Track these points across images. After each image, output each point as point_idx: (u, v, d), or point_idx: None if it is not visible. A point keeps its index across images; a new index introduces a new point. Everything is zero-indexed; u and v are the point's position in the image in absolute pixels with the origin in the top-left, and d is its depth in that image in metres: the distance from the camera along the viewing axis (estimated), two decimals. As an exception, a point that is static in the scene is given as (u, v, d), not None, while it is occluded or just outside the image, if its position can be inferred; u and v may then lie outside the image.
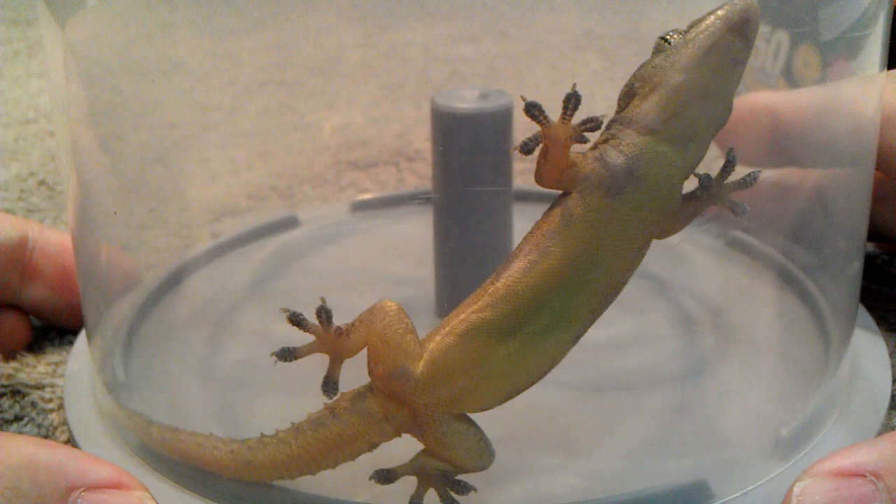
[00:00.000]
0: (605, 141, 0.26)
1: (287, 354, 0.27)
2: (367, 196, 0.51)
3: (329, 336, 0.27)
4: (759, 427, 0.33)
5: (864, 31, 0.32)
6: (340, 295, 0.42)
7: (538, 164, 0.25)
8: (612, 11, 0.64)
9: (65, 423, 0.36)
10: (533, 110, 0.25)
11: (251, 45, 0.65)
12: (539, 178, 0.26)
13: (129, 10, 0.43)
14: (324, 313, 0.27)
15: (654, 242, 0.27)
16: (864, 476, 0.27)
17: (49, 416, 0.36)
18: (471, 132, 0.36)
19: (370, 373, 0.27)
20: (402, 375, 0.26)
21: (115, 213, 0.42)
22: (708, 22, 0.25)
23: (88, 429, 0.34)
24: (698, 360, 0.37)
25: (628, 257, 0.26)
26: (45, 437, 0.36)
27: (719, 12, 0.25)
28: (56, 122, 0.37)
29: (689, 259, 0.42)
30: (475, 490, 0.27)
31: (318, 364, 0.34)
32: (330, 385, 0.27)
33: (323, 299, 0.27)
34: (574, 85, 0.25)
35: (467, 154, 0.36)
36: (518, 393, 0.27)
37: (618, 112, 0.26)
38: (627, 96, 0.26)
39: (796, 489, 0.28)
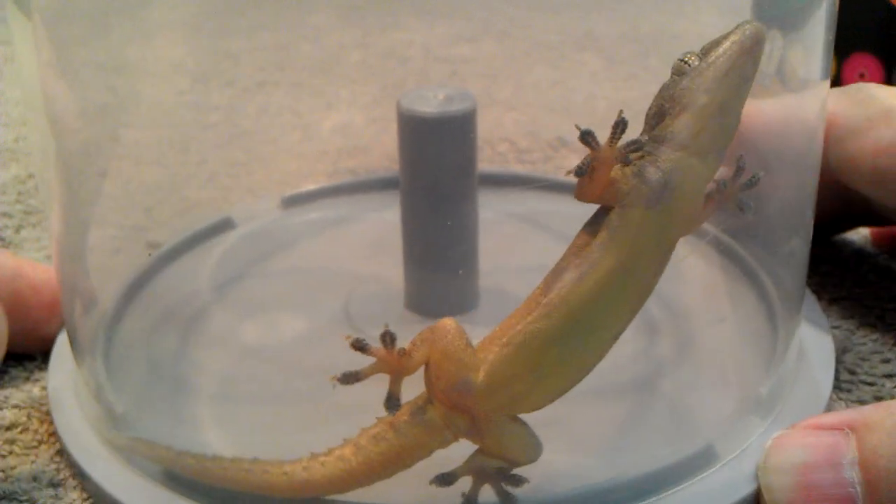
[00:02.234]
0: (641, 158, 0.28)
1: (350, 378, 0.28)
2: (297, 190, 0.50)
3: (392, 357, 0.28)
4: (740, 391, 0.36)
5: (808, 9, 0.33)
6: (311, 293, 0.42)
7: (581, 183, 0.27)
8: (612, 11, 0.64)
9: (54, 433, 0.36)
10: (587, 137, 0.27)
11: (250, 45, 0.65)
12: (581, 196, 0.28)
13: (125, 8, 0.42)
14: (388, 337, 0.28)
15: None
16: (841, 429, 0.29)
17: (44, 424, 0.37)
18: (435, 135, 0.37)
19: (429, 386, 0.29)
20: (464, 386, 0.28)
21: (150, 254, 0.43)
22: (725, 46, 0.28)
23: (97, 459, 0.33)
24: (662, 350, 0.38)
25: (662, 260, 0.28)
26: (41, 441, 0.36)
27: (734, 37, 0.28)
28: (34, 124, 0.36)
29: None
30: (528, 481, 0.29)
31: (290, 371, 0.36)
32: (393, 402, 0.28)
33: (387, 325, 0.28)
34: (620, 112, 0.27)
35: (433, 155, 0.38)
36: (567, 391, 0.29)
37: (647, 129, 0.28)
38: (658, 115, 0.28)
39: (775, 434, 0.31)
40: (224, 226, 0.46)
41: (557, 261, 0.28)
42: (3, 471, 0.34)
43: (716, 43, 0.28)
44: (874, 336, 0.40)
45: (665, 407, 0.35)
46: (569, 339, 0.28)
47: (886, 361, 0.39)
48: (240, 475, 0.30)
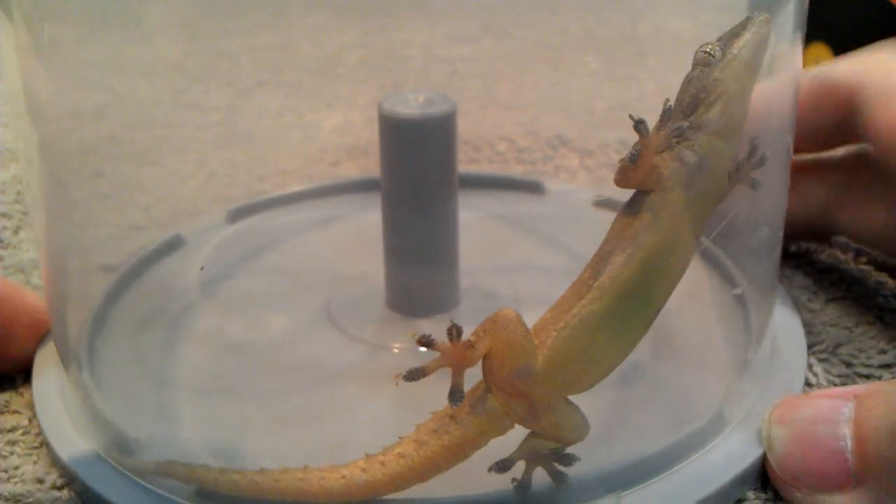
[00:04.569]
0: (678, 143, 0.30)
1: (415, 374, 0.29)
2: (242, 203, 0.50)
3: (457, 350, 0.29)
4: (728, 364, 0.37)
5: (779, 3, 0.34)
6: (294, 293, 0.43)
7: (625, 168, 0.29)
8: (612, 11, 0.64)
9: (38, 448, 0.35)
10: (640, 126, 0.29)
11: (250, 45, 0.65)
12: (624, 181, 0.30)
13: (125, 9, 0.42)
14: (455, 330, 0.29)
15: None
16: (847, 396, 0.31)
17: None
18: (416, 137, 0.38)
19: (490, 375, 0.29)
20: (525, 372, 0.29)
21: (202, 268, 0.43)
22: (746, 37, 0.30)
23: (120, 489, 0.32)
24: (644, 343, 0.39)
25: (696, 236, 0.31)
26: (42, 442, 0.35)
27: (752, 28, 0.30)
28: (18, 127, 0.35)
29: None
30: (579, 459, 0.30)
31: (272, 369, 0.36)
32: (457, 395, 0.29)
33: (452, 319, 0.29)
34: (667, 100, 0.29)
35: (413, 156, 0.38)
36: (615, 368, 0.30)
37: (680, 117, 0.30)
38: (693, 105, 0.30)
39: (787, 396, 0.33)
40: (174, 244, 0.46)
41: (600, 245, 0.30)
42: (5, 471, 0.34)
43: (735, 35, 0.30)
44: (872, 333, 0.40)
45: (660, 389, 0.37)
46: (619, 319, 0.29)
47: (883, 352, 0.39)
48: (293, 485, 0.30)
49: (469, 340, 0.29)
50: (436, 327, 0.38)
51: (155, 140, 0.51)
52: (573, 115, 0.62)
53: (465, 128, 0.60)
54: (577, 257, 0.44)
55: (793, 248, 0.47)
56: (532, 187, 0.51)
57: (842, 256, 0.46)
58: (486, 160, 0.58)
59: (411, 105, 0.38)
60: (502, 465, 0.30)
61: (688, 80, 0.30)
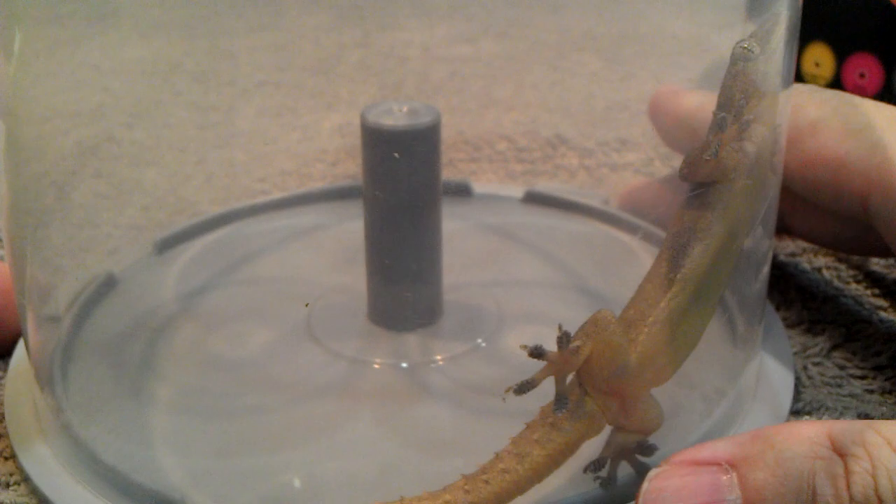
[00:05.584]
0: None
1: (526, 387, 0.29)
2: (168, 233, 0.47)
3: (564, 357, 0.29)
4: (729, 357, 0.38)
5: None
6: (274, 305, 0.42)
7: (697, 162, 0.31)
8: (612, 11, 0.64)
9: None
10: (722, 122, 0.31)
11: (250, 45, 0.65)
12: (692, 175, 0.31)
13: (123, 9, 0.42)
14: (565, 338, 0.29)
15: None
16: (719, 465, 0.28)
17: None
18: (400, 148, 0.38)
19: (588, 377, 0.30)
20: (622, 370, 0.29)
21: (306, 304, 0.41)
22: (778, 35, 0.32)
23: None
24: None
25: (752, 220, 0.33)
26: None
27: (780, 26, 0.32)
28: None
29: (600, 255, 0.46)
30: (658, 448, 0.31)
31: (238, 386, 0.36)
32: (563, 402, 0.29)
33: (560, 326, 0.29)
34: (739, 97, 0.31)
35: (397, 168, 0.38)
36: (689, 355, 0.31)
37: (738, 110, 0.31)
38: (745, 98, 0.31)
39: (650, 474, 0.29)
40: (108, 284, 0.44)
41: (667, 239, 0.31)
42: (6, 475, 0.34)
43: (768, 31, 0.32)
44: (868, 332, 0.40)
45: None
46: (697, 308, 0.30)
47: (878, 354, 0.39)
48: None
49: (575, 346, 0.29)
50: (418, 341, 0.38)
51: (154, 140, 0.51)
52: (573, 115, 0.62)
53: (465, 127, 0.60)
54: (555, 262, 0.45)
55: (790, 248, 0.47)
56: (459, 189, 0.51)
57: (839, 255, 0.46)
58: (486, 160, 0.58)
59: (395, 116, 0.38)
60: (597, 465, 0.30)
61: (732, 77, 0.31)
